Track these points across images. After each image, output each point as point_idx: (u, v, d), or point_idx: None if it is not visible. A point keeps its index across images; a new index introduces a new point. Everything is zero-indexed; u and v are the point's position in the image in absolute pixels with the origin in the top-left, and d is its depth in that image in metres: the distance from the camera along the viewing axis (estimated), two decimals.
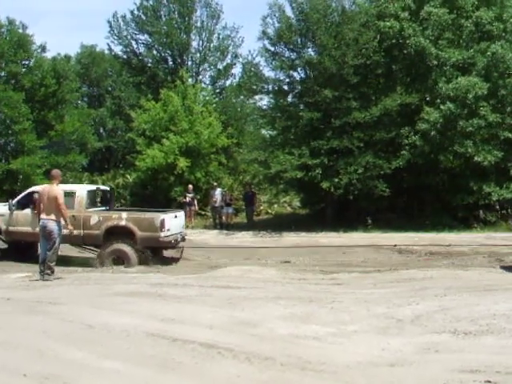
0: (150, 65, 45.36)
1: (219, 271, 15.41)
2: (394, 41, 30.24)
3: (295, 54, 32.13)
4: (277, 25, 31.79)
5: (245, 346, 7.46)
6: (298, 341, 7.83)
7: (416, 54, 29.68)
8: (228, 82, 46.67)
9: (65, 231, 14.77)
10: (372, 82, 32.04)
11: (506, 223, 29.73)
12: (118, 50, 46.08)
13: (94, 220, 17.86)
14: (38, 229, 15.52)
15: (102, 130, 54.13)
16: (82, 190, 18.95)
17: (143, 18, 43.96)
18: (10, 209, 18.51)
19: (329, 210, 31.78)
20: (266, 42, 32.19)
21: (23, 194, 19.14)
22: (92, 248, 18.76)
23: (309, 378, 6.38)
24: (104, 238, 17.69)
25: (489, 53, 28.97)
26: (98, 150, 48.86)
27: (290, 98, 33.25)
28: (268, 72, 34.07)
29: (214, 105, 39.90)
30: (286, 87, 33.12)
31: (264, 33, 31.98)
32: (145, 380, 6.32)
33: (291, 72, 32.45)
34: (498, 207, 30.65)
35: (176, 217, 18.88)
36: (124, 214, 18.14)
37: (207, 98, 40.13)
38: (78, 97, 48.13)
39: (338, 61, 29.67)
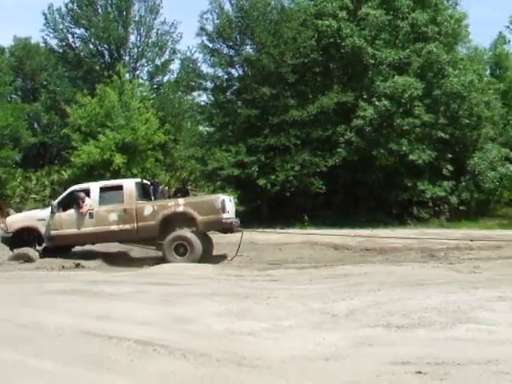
0: (86, 59, 44.58)
1: (155, 268, 15.29)
2: (331, 40, 30.62)
3: (234, 51, 32.20)
4: (216, 21, 31.77)
5: (180, 342, 7.41)
6: (233, 336, 7.83)
7: (353, 53, 30.14)
8: (166, 78, 46.40)
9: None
10: (309, 81, 32.34)
11: (438, 220, 30.50)
12: (53, 43, 45.23)
13: (148, 210, 17.18)
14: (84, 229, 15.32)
15: (36, 125, 52.82)
16: (129, 182, 18.32)
17: (79, 11, 43.17)
18: (52, 211, 17.50)
19: (265, 207, 31.94)
20: (205, 38, 32.20)
21: (64, 195, 18.35)
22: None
23: (244, 373, 6.39)
24: (161, 228, 17.04)
25: (424, 53, 29.67)
26: (32, 145, 47.69)
27: (228, 95, 33.25)
28: (206, 68, 33.99)
29: (152, 101, 39.52)
30: (224, 84, 33.09)
31: (203, 29, 31.93)
32: (78, 379, 6.21)
33: (229, 69, 32.50)
34: (431, 204, 31.40)
35: (230, 200, 18.32)
36: (181, 200, 17.67)
37: (144, 94, 39.71)
38: (11, 90, 46.86)
39: (276, 59, 29.84)
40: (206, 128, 35.78)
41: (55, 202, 17.78)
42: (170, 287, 11.70)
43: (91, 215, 17.23)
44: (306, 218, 29.50)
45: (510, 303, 9.10)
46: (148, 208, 17.17)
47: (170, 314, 9.06)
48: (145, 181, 20.33)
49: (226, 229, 17.65)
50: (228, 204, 17.47)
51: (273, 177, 29.39)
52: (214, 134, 33.26)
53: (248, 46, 32.27)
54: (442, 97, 30.47)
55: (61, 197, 18.31)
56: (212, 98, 33.76)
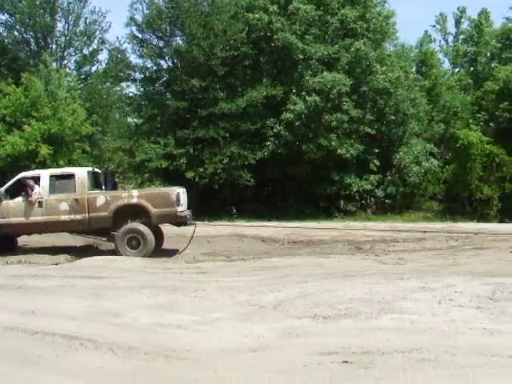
0: (10, 46, 43.22)
1: (83, 261, 15.04)
2: (262, 33, 30.72)
3: (163, 42, 31.92)
4: (146, 11, 31.41)
5: (108, 336, 7.35)
6: (162, 329, 7.81)
7: (283, 48, 30.32)
8: (94, 68, 45.42)
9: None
10: (239, 74, 32.37)
11: (364, 213, 31.11)
12: None
13: (100, 201, 16.55)
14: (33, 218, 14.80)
15: None
16: (81, 171, 17.49)
17: None
18: None
19: (193, 200, 31.82)
20: (134, 28, 31.76)
21: (11, 182, 17.25)
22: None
23: (173, 366, 6.39)
24: (113, 220, 16.44)
25: (352, 49, 30.17)
26: None
27: (157, 87, 32.95)
28: (135, 59, 33.59)
29: (79, 91, 38.68)
30: (153, 75, 32.77)
31: (132, 19, 31.53)
32: (1, 376, 6.08)
33: (159, 60, 32.20)
34: (357, 198, 32.00)
35: (184, 193, 17.78)
36: (135, 192, 17.21)
37: (72, 84, 38.79)
38: None
39: (206, 51, 29.75)
40: (135, 119, 35.36)
41: (2, 190, 16.88)
42: (97, 280, 11.55)
43: (40, 204, 16.57)
44: (234, 210, 29.59)
45: (432, 293, 9.39)
46: (101, 198, 16.64)
47: (97, 307, 8.95)
48: (96, 170, 19.64)
49: (180, 222, 17.26)
50: (182, 197, 17.25)
51: (201, 169, 29.34)
52: (142, 126, 32.91)
53: (178, 38, 32.08)
54: (370, 93, 31.07)
55: (8, 184, 17.30)
56: (141, 90, 33.42)
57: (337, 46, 30.99)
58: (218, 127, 29.65)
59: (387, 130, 32.04)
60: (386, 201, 32.56)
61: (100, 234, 17.40)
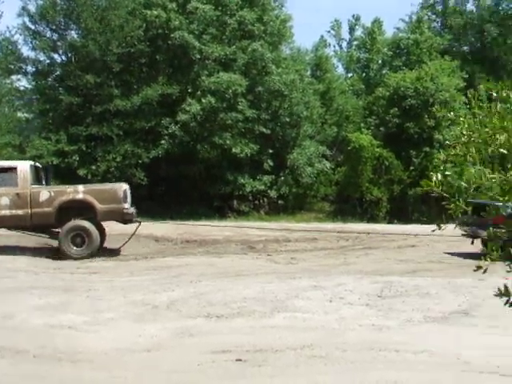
0: None
1: None
2: (159, 31, 30.43)
3: (57, 35, 30.94)
4: (39, 1, 30.35)
5: None
6: (53, 331, 7.63)
7: (180, 47, 30.16)
8: None
9: None
10: (135, 71, 31.92)
11: (258, 213, 31.46)
12: None
13: (44, 196, 15.63)
14: None
15: None
16: (24, 165, 16.41)
17: None
18: None
19: None
20: (27, 19, 30.56)
21: None
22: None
23: (65, 368, 6.26)
24: (57, 216, 15.55)
25: (249, 50, 30.47)
26: None
27: (49, 81, 31.97)
28: (27, 52, 32.38)
29: None
30: (46, 69, 31.77)
31: (24, 9, 30.36)
32: None
33: (52, 54, 31.23)
34: (251, 198, 32.29)
35: (129, 189, 17.08)
36: (80, 187, 16.29)
37: None
38: None
39: (102, 46, 29.15)
40: (25, 114, 34.14)
41: None
42: None
43: None
44: None
45: (323, 292, 9.68)
46: (44, 193, 15.83)
47: None
48: (37, 164, 18.49)
49: (126, 219, 16.65)
50: (128, 193, 16.71)
51: (94, 167, 28.74)
52: (33, 121, 31.89)
53: (73, 31, 31.17)
54: (265, 94, 31.44)
55: None
56: (32, 83, 32.29)
57: (234, 46, 31.16)
58: (111, 124, 29.12)
59: (281, 131, 32.51)
60: (279, 201, 33.05)
61: (41, 231, 16.57)
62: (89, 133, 28.85)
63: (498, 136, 3.28)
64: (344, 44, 50.15)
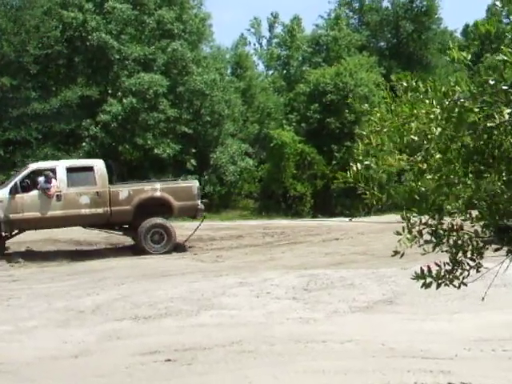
0: None
1: None
2: (77, 32, 29.84)
3: None
4: None
5: None
6: None
7: (98, 47, 29.64)
8: None
9: None
10: (53, 73, 31.18)
11: None
12: None
13: (123, 195, 16.02)
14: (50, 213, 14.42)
15: None
16: (99, 163, 16.79)
17: None
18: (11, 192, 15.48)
19: None
20: None
21: (24, 174, 16.17)
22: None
23: None
24: (134, 214, 15.97)
25: (169, 50, 30.26)
26: None
27: None
28: None
29: None
30: None
31: None
32: None
33: None
34: None
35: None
36: (158, 185, 16.88)
37: None
38: None
39: (17, 47, 28.34)
40: None
41: (14, 182, 15.86)
42: None
43: (59, 198, 15.78)
44: None
45: (250, 288, 9.71)
46: (123, 192, 16.25)
47: None
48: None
49: (197, 215, 17.54)
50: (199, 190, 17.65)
51: (13, 172, 27.96)
52: None
53: None
54: (186, 93, 31.28)
55: (21, 176, 16.29)
56: None
57: (153, 46, 30.88)
58: (30, 128, 28.37)
59: (203, 130, 32.40)
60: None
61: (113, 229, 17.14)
62: (6, 137, 28.01)
63: (409, 124, 3.37)
64: (264, 42, 50.49)
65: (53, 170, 16.24)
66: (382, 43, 44.13)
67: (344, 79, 33.25)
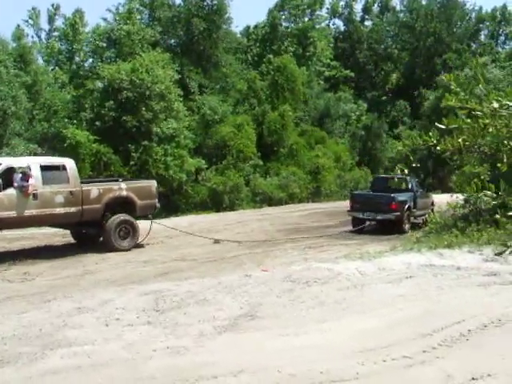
0: None
1: None
2: None
3: None
4: None
5: None
6: None
7: None
8: None
9: None
10: None
11: None
12: None
13: (94, 193, 16.31)
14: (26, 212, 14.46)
15: None
16: (70, 162, 16.66)
17: None
18: None
19: None
20: None
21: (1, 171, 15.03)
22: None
23: None
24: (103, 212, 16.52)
25: None
26: None
27: None
28: None
29: None
30: None
31: None
32: None
33: None
34: None
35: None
36: (123, 184, 17.30)
37: None
38: None
39: None
40: None
41: None
42: None
43: (35, 196, 15.28)
44: None
45: (92, 315, 8.22)
46: (94, 191, 16.49)
47: None
48: None
49: (153, 213, 18.27)
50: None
51: None
52: None
53: None
54: None
55: None
56: None
57: None
58: None
59: None
60: None
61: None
62: None
63: None
64: (43, 34, 47.52)
65: (29, 168, 15.62)
66: (174, 40, 43.55)
67: (140, 76, 32.04)
